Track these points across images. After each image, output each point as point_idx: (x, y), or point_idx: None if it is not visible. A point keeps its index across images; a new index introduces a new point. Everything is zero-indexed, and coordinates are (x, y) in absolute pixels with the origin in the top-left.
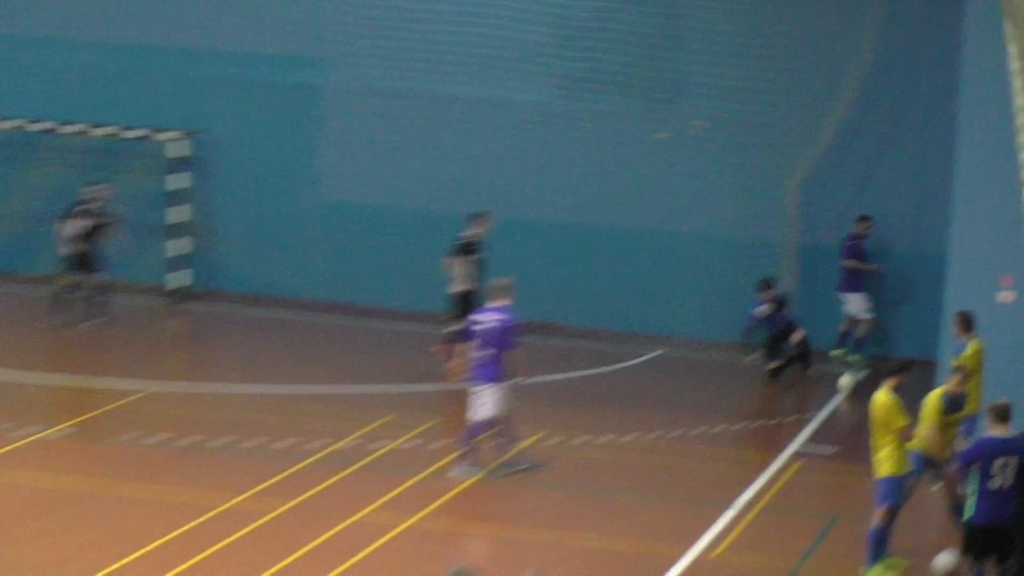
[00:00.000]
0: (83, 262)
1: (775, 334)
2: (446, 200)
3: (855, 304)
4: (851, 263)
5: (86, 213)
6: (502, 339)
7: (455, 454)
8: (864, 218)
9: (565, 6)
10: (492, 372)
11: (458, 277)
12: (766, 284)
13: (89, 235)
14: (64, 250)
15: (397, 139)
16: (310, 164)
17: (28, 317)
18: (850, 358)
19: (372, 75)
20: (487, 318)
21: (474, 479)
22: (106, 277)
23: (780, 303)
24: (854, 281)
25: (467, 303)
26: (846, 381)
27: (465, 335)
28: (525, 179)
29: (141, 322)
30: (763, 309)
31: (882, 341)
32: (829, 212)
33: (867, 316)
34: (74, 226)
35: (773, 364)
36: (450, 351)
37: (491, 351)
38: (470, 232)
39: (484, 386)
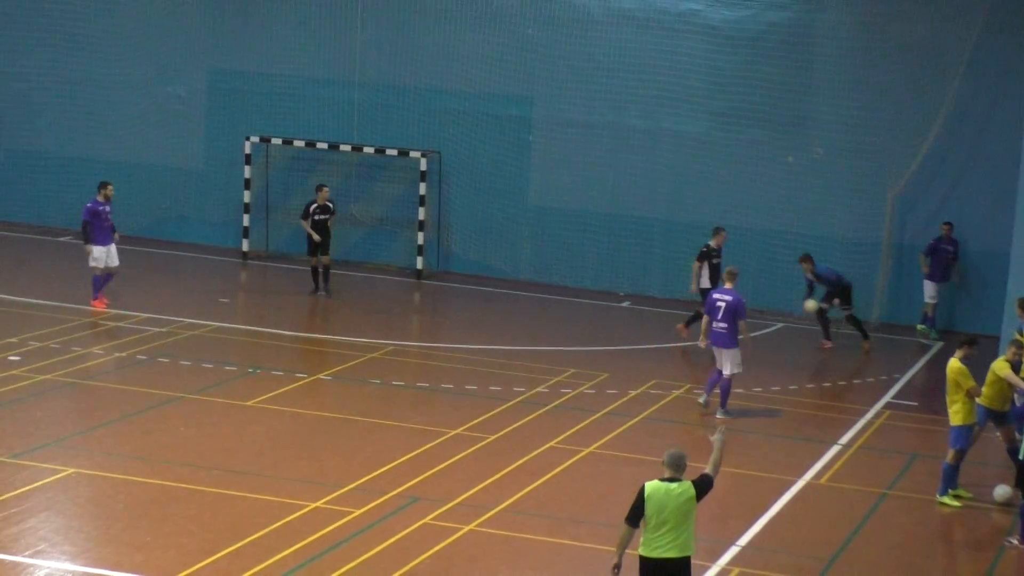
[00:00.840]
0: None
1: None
2: (626, 205)
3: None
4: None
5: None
6: (738, 312)
7: (622, 400)
8: (945, 223)
9: (719, 56)
10: (733, 339)
11: (703, 278)
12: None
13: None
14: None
15: (589, 159)
16: (522, 176)
17: (307, 290)
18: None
19: (571, 109)
20: (727, 296)
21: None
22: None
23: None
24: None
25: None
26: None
27: (707, 310)
28: (686, 191)
29: (395, 294)
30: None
31: (956, 319)
32: (919, 219)
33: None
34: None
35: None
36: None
37: (730, 322)
38: (712, 242)
39: (728, 350)
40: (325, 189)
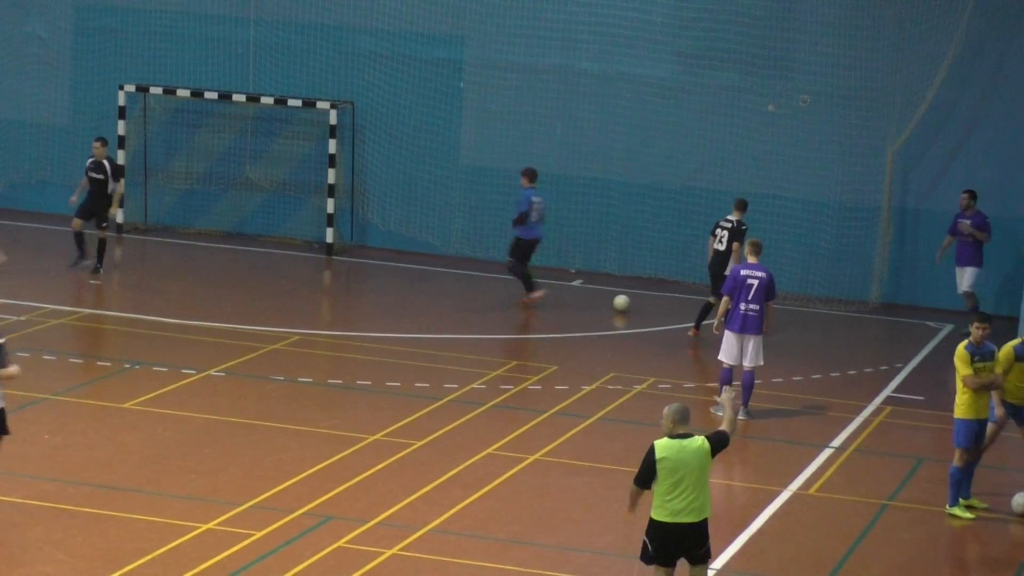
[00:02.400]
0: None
1: None
2: (576, 165)
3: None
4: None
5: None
6: (769, 292)
7: (574, 397)
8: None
9: None
10: (761, 324)
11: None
12: None
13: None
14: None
15: (531, 110)
16: (452, 132)
17: (196, 269)
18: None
19: (510, 50)
20: (758, 273)
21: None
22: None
23: None
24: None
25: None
26: None
27: (729, 289)
28: (647, 146)
29: (301, 273)
30: None
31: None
32: (923, 180)
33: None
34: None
35: None
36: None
37: (761, 304)
38: (735, 217)
39: (757, 336)
40: (99, 143)
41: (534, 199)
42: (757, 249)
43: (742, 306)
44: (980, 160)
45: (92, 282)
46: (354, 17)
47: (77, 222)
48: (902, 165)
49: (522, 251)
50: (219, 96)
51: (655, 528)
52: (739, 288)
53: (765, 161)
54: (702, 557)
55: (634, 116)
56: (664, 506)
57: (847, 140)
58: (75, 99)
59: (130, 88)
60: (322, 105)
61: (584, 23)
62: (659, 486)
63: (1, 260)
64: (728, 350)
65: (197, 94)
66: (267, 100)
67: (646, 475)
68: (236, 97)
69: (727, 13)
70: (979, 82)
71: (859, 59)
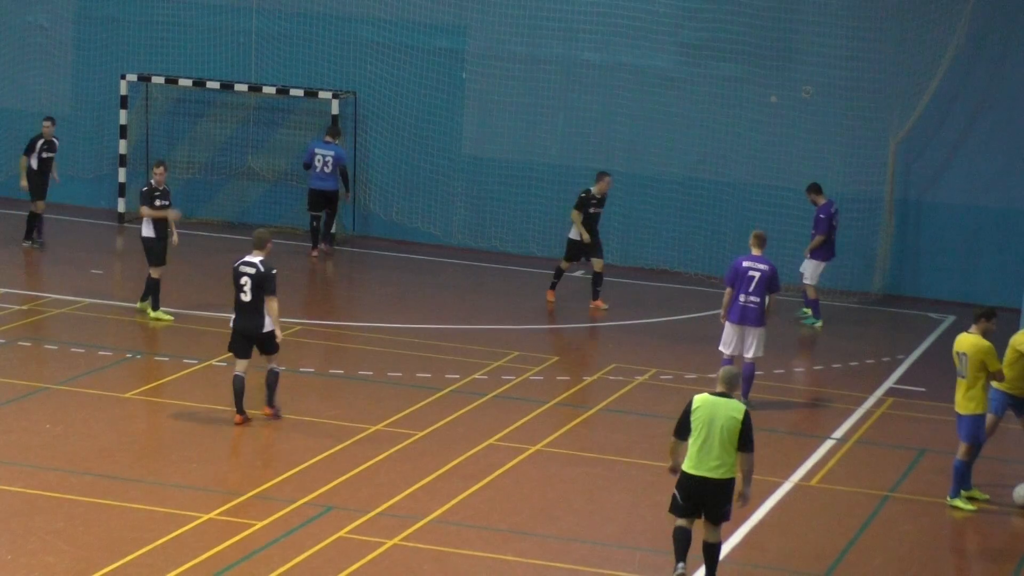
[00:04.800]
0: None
1: None
2: (575, 155)
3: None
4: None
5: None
6: (771, 284)
7: (575, 388)
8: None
9: None
10: (764, 315)
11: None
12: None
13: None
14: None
15: (533, 100)
16: (454, 122)
17: (197, 259)
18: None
19: (512, 41)
20: (760, 265)
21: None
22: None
23: None
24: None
25: None
26: None
27: (731, 280)
28: (649, 137)
29: (303, 263)
30: None
31: (970, 289)
32: (926, 171)
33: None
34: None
35: None
36: None
37: (761, 296)
38: (594, 188)
39: (758, 328)
40: (49, 123)
41: None
42: (761, 241)
43: (742, 297)
44: (982, 151)
45: (95, 271)
46: (356, 7)
47: (41, 204)
48: (904, 156)
49: None
50: (221, 86)
51: (683, 479)
52: (740, 279)
53: (767, 152)
54: (721, 516)
55: (636, 107)
56: (693, 458)
57: (849, 131)
58: (77, 88)
59: (132, 78)
60: (324, 95)
61: (586, 13)
62: (692, 439)
63: None
64: (727, 340)
65: (199, 84)
66: (269, 90)
67: (681, 425)
68: (238, 87)
69: (729, 4)
70: (981, 73)
71: (861, 50)
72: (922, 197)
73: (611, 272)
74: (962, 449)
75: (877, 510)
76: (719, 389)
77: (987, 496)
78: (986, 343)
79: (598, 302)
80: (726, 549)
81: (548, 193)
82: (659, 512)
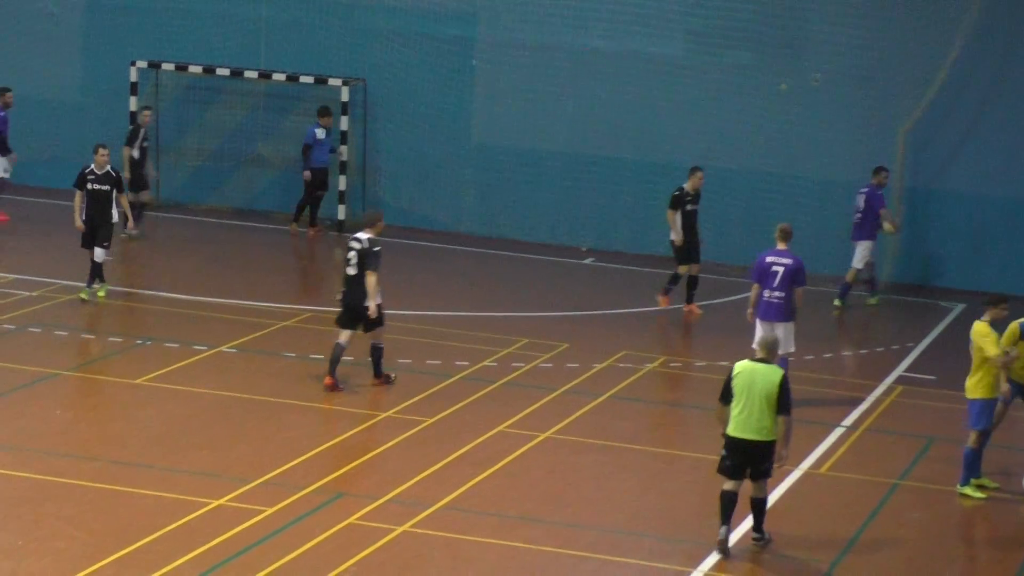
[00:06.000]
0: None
1: None
2: (585, 143)
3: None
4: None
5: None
6: (797, 278)
7: (585, 375)
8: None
9: None
10: (790, 310)
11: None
12: None
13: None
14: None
15: (542, 88)
16: (464, 110)
17: (207, 246)
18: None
19: (522, 28)
20: (784, 259)
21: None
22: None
23: None
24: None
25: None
26: None
27: (756, 276)
28: (659, 126)
29: (312, 250)
30: None
31: (982, 278)
32: (935, 160)
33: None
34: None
35: None
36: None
37: (787, 290)
38: (687, 185)
39: (785, 324)
40: (148, 112)
41: None
42: (786, 235)
43: (766, 293)
44: (991, 140)
45: (108, 258)
46: None
47: (147, 194)
48: (913, 145)
49: None
50: (231, 73)
51: (727, 442)
52: (764, 275)
53: (776, 140)
54: (764, 472)
55: (646, 94)
56: (735, 422)
57: (858, 120)
58: (86, 75)
59: (142, 64)
60: (334, 82)
61: (596, 1)
62: (734, 404)
63: None
64: (758, 337)
65: (209, 70)
66: (279, 77)
67: (725, 392)
68: (248, 74)
69: None
70: (991, 62)
71: (871, 39)
72: (931, 186)
73: (621, 259)
74: (972, 437)
75: (886, 498)
76: (759, 355)
77: (997, 484)
78: (981, 326)
79: (692, 306)
80: (734, 537)
81: (557, 181)
82: (668, 499)
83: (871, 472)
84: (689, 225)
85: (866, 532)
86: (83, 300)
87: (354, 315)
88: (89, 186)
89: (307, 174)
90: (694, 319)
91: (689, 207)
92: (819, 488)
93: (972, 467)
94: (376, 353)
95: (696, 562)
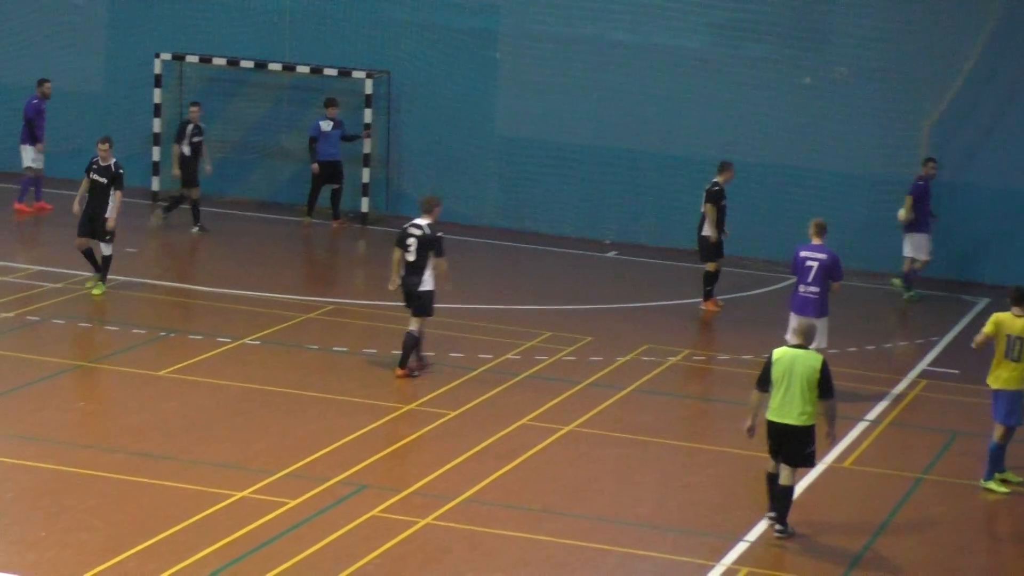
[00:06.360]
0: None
1: None
2: (608, 136)
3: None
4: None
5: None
6: (832, 273)
7: (608, 369)
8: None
9: None
10: (824, 305)
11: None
12: None
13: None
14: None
15: (565, 80)
16: (487, 102)
17: (230, 238)
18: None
19: (545, 21)
20: (819, 254)
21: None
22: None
23: None
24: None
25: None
26: None
27: (794, 271)
28: (682, 119)
29: (335, 243)
30: None
31: (1008, 272)
32: (959, 153)
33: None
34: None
35: None
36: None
37: (823, 285)
38: (720, 178)
39: (817, 319)
40: (196, 108)
41: None
42: (820, 230)
43: (801, 288)
44: (1016, 133)
45: (129, 250)
46: None
47: (196, 191)
48: (937, 138)
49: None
50: (255, 65)
51: (769, 426)
52: (798, 269)
53: (800, 134)
54: (801, 460)
55: (668, 87)
56: (775, 407)
57: (882, 113)
58: (110, 67)
59: (166, 56)
60: (358, 75)
61: None
62: (774, 390)
63: None
64: (791, 331)
65: (233, 63)
66: (303, 69)
67: (763, 378)
68: (272, 66)
69: None
70: (1015, 55)
71: (895, 32)
72: (955, 179)
73: (643, 252)
74: (998, 431)
75: (910, 492)
76: (796, 341)
77: (1021, 479)
78: (1000, 316)
79: (710, 303)
80: (758, 530)
81: (580, 173)
82: (690, 493)
83: (895, 466)
84: (722, 222)
85: (890, 526)
86: (93, 293)
87: (411, 300)
88: (91, 175)
89: (315, 167)
90: (711, 316)
91: (724, 202)
92: (843, 482)
93: (996, 461)
94: (409, 340)
95: (719, 556)
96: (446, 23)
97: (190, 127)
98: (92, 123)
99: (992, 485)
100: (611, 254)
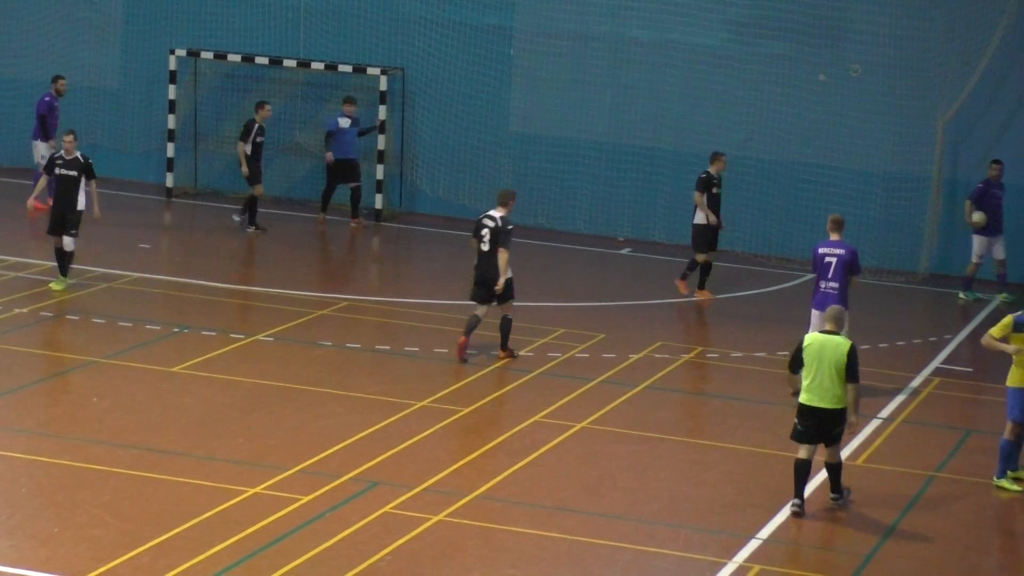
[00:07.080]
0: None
1: None
2: (625, 133)
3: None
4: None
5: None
6: (851, 268)
7: (621, 366)
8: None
9: None
10: (845, 300)
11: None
12: None
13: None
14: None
15: (580, 77)
16: (501, 99)
17: (245, 234)
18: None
19: (560, 17)
20: (837, 249)
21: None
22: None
23: None
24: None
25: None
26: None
27: (814, 267)
28: (697, 115)
29: (350, 239)
30: None
31: (1020, 269)
32: (974, 150)
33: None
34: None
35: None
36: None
37: (843, 280)
38: (712, 168)
39: None
40: (267, 108)
41: None
42: (837, 225)
43: (822, 284)
44: None
45: (143, 246)
46: None
47: (260, 188)
48: (953, 136)
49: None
50: (270, 61)
51: (800, 409)
52: (819, 266)
53: (815, 131)
54: (836, 437)
55: (684, 84)
56: (806, 390)
57: (897, 110)
58: (125, 63)
59: (181, 53)
60: (372, 71)
61: None
62: (804, 373)
63: None
64: (813, 327)
65: (248, 59)
66: (317, 66)
67: (795, 362)
68: (287, 63)
69: None
70: None
71: (910, 29)
72: (970, 177)
73: (657, 249)
74: (1009, 428)
75: (923, 490)
76: (827, 327)
77: None
78: (1009, 318)
79: (705, 291)
80: (769, 529)
81: (595, 170)
82: (704, 490)
83: (908, 464)
84: (713, 210)
85: (902, 524)
86: (55, 290)
87: (485, 288)
88: (57, 171)
89: (329, 155)
90: (707, 305)
91: (715, 190)
92: (856, 479)
93: (1009, 459)
94: (505, 326)
95: (732, 553)
96: (461, 19)
97: (256, 127)
98: (107, 119)
99: (1005, 483)
100: (625, 251)
